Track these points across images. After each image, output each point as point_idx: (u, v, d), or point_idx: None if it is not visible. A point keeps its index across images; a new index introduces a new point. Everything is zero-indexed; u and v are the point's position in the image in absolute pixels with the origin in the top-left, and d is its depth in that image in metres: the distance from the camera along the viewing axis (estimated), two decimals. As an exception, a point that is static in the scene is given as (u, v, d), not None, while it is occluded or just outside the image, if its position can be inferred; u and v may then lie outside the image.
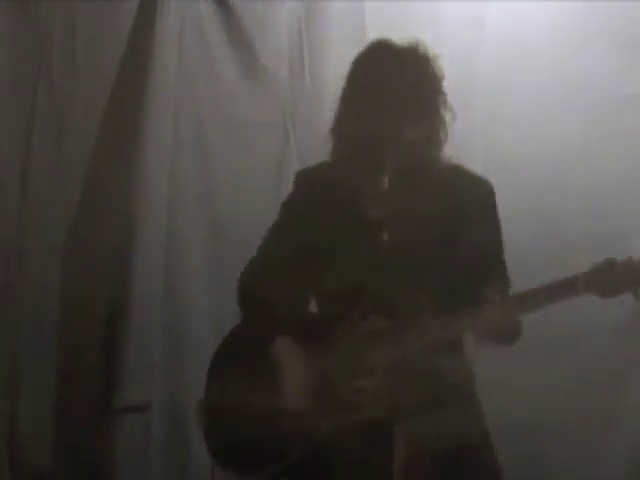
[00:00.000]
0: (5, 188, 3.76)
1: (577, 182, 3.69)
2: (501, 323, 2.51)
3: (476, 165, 2.95)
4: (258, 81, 3.95)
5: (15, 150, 3.77)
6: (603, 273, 2.45)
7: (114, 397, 3.72)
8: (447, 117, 2.67)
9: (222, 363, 2.78)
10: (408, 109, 2.59)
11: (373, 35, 2.87)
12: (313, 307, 2.85)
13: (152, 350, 3.75)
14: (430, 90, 2.64)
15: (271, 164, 3.92)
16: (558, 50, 3.74)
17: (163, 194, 3.81)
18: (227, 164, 3.91)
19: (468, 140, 3.66)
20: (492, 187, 2.74)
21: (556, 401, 3.62)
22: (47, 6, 3.78)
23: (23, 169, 3.76)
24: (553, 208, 3.69)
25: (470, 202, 2.66)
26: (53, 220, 3.79)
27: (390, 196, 2.60)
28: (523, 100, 3.75)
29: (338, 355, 2.62)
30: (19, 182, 3.76)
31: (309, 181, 2.83)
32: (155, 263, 3.78)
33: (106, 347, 3.74)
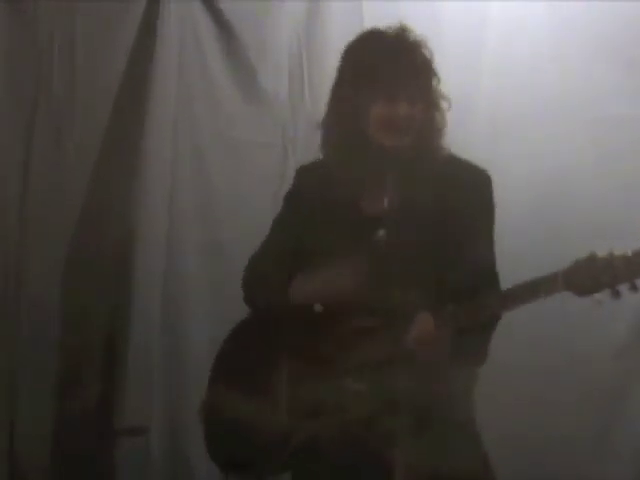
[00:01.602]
0: (4, 198, 3.75)
1: (576, 199, 3.69)
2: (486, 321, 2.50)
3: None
4: (257, 101, 3.95)
5: (15, 159, 3.76)
6: (583, 269, 2.40)
7: (114, 419, 3.71)
8: (443, 104, 2.69)
9: (224, 364, 2.82)
10: (400, 94, 2.61)
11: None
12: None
13: (151, 371, 3.74)
14: (420, 74, 2.65)
15: (270, 183, 3.89)
16: (558, 67, 3.75)
17: (163, 212, 3.81)
18: (226, 183, 3.91)
19: (467, 153, 3.66)
20: (489, 177, 2.72)
21: (557, 417, 3.60)
22: (47, 13, 3.78)
23: (23, 179, 3.75)
24: (552, 225, 3.68)
25: (466, 192, 2.64)
26: (53, 235, 3.77)
27: (390, 193, 2.60)
28: (523, 114, 3.75)
29: (330, 354, 2.61)
30: (18, 191, 3.75)
31: (308, 176, 2.86)
32: (155, 282, 3.76)
33: (105, 368, 3.73)
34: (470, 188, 2.66)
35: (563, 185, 3.71)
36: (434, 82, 2.69)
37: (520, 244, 3.53)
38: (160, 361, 3.77)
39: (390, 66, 2.63)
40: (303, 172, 2.89)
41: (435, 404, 2.51)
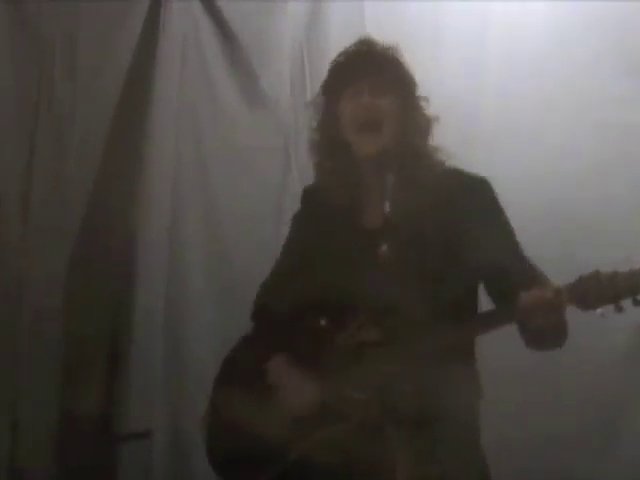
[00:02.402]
0: (8, 199, 3.76)
1: (578, 204, 3.68)
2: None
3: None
4: (259, 106, 3.96)
5: (18, 159, 3.77)
6: (587, 285, 2.42)
7: (116, 424, 3.71)
8: (422, 103, 2.70)
9: (225, 377, 2.81)
10: (362, 87, 2.64)
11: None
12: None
13: (154, 377, 3.74)
14: (384, 67, 2.68)
15: (273, 188, 3.92)
16: (561, 71, 3.74)
17: (165, 218, 3.81)
18: (228, 188, 3.92)
19: (470, 157, 3.65)
20: (489, 184, 2.70)
21: (558, 423, 3.60)
22: (49, 15, 3.80)
23: (25, 180, 3.77)
24: (555, 229, 3.68)
25: (469, 205, 2.64)
26: (55, 236, 3.78)
27: (387, 204, 2.61)
28: (525, 119, 3.75)
29: (332, 366, 2.61)
30: (22, 192, 3.76)
31: (313, 196, 2.87)
32: (157, 288, 3.77)
33: (107, 372, 3.74)
34: (471, 193, 2.66)
35: (565, 190, 3.70)
36: (406, 79, 2.70)
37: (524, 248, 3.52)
38: (162, 365, 3.76)
39: (351, 63, 2.69)
40: (308, 193, 2.90)
41: (436, 410, 2.50)
